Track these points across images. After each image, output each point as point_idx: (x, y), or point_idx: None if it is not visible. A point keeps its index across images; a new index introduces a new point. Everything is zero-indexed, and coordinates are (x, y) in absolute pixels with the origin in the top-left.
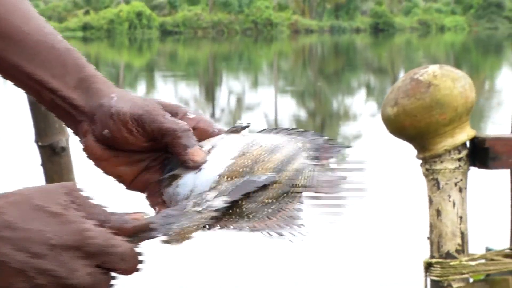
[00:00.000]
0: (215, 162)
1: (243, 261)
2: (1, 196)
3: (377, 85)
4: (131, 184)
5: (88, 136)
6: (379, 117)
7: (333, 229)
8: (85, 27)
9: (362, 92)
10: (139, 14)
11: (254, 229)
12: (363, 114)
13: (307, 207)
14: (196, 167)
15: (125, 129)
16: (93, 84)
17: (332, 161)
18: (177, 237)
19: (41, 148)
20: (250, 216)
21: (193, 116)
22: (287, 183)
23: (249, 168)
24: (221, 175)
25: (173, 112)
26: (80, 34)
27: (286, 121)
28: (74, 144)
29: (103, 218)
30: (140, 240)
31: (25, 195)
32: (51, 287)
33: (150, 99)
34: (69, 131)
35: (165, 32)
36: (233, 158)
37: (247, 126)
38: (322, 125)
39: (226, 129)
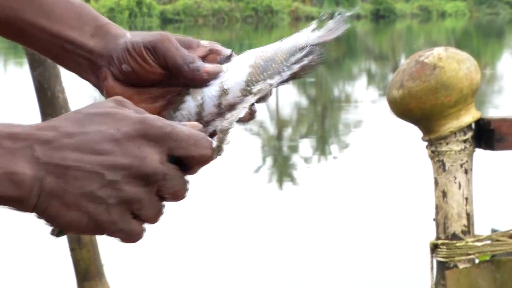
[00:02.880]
0: (234, 66)
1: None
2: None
3: (378, 71)
4: None
5: (108, 78)
6: (380, 103)
7: (340, 209)
8: None
9: (363, 79)
10: (139, 3)
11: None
12: (364, 100)
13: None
14: (210, 78)
15: (142, 60)
16: (109, 29)
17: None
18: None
19: None
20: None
21: (206, 43)
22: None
23: (271, 58)
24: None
25: (186, 44)
26: None
27: (287, 108)
28: None
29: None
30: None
31: (77, 111)
32: (125, 180)
33: (164, 32)
34: None
35: (166, 20)
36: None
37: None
38: (323, 112)
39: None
